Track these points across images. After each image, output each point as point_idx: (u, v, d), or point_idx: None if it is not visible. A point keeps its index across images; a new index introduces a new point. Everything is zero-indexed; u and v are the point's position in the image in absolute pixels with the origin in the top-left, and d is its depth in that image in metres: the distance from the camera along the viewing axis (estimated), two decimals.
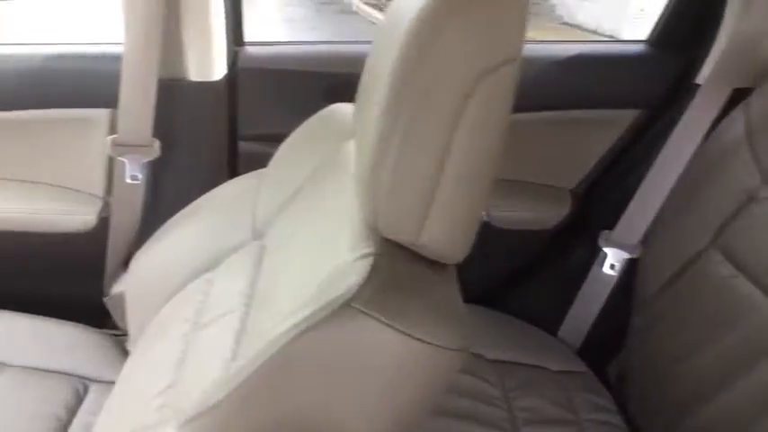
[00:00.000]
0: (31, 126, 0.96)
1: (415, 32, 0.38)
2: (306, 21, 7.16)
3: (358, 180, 0.50)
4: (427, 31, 0.38)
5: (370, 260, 0.44)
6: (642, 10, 5.54)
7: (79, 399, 0.91)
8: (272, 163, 0.83)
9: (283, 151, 0.82)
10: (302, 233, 0.64)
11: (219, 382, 0.51)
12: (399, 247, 0.46)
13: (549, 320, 1.06)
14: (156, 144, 0.91)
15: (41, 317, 1.00)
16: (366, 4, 7.76)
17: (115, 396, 0.77)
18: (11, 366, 0.92)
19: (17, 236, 1.00)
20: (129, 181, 0.90)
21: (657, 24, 1.04)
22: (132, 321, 0.89)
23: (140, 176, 0.91)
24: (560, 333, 1.06)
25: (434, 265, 0.48)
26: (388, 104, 0.41)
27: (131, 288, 0.89)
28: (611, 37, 5.55)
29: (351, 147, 0.68)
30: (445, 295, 0.48)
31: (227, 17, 0.90)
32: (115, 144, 0.89)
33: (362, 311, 0.40)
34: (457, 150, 0.41)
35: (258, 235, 0.79)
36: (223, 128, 0.96)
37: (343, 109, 0.76)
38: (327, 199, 0.64)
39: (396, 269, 0.46)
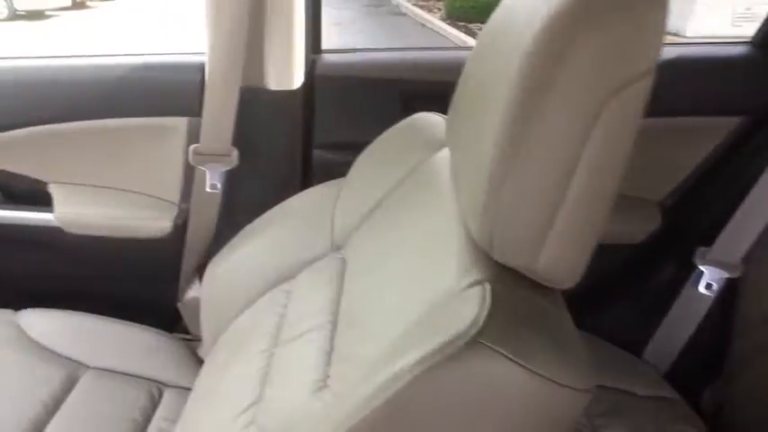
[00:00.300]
0: (114, 134, 0.98)
1: (544, 42, 0.35)
2: (353, 23, 7.19)
3: (466, 199, 0.46)
4: (559, 42, 0.34)
5: (486, 288, 0.41)
6: (749, 9, 5.22)
7: (154, 403, 0.92)
8: (352, 173, 0.81)
9: (363, 161, 0.80)
10: (391, 250, 0.61)
11: (318, 413, 0.49)
12: (511, 271, 0.43)
13: (633, 341, 0.99)
14: (235, 153, 0.91)
15: (118, 320, 1.02)
16: (415, 5, 7.73)
17: (193, 407, 0.77)
18: (90, 368, 0.94)
19: (97, 240, 1.02)
20: (208, 190, 0.91)
21: (765, 25, 0.95)
22: (206, 328, 0.90)
23: (219, 185, 0.91)
24: (645, 355, 0.99)
25: (544, 290, 0.44)
26: (510, 120, 0.37)
27: (206, 295, 0.89)
28: (675, 35, 5.27)
29: (441, 159, 0.65)
30: (563, 327, 0.44)
31: (306, 25, 0.89)
32: (196, 153, 0.90)
33: (491, 348, 0.36)
34: (583, 168, 0.37)
35: (337, 247, 0.77)
36: (298, 136, 0.95)
37: (428, 119, 0.73)
38: (418, 215, 0.60)
39: (513, 298, 0.42)
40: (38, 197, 1.05)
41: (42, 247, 1.07)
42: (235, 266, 0.86)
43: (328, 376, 0.54)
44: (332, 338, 0.60)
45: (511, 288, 0.42)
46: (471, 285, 0.42)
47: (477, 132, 0.45)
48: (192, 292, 1.08)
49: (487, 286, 0.41)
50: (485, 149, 0.41)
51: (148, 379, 0.94)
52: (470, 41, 6.17)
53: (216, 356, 0.81)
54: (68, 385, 0.90)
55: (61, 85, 0.97)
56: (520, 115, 0.37)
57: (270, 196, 0.96)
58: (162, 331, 1.02)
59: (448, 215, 0.52)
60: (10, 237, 1.05)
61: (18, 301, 1.00)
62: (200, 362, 1.03)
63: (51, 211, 1.01)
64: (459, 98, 0.56)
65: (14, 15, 7.86)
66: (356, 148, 0.87)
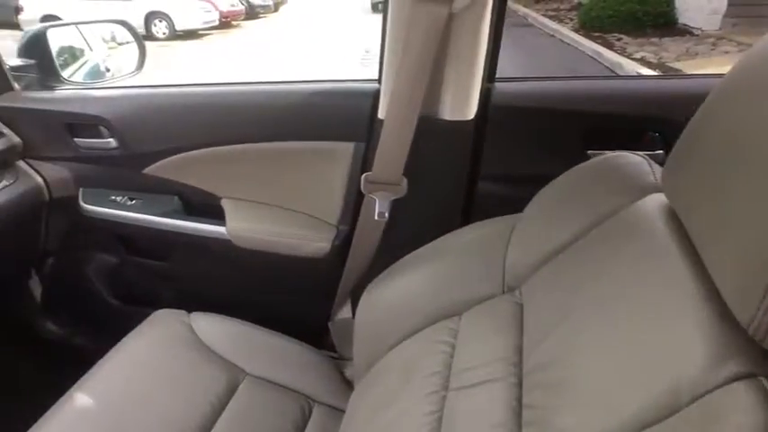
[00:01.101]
0: (284, 156, 1.04)
1: None
2: None
3: (732, 278, 0.39)
4: None
5: (756, 386, 0.34)
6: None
7: (305, 418, 0.94)
8: (530, 209, 0.76)
9: (545, 198, 0.75)
10: (590, 305, 0.55)
11: None
12: None
13: None
14: (404, 182, 0.91)
15: (274, 332, 1.07)
16: (544, 15, 7.43)
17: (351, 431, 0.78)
18: (249, 374, 0.99)
19: (260, 255, 1.09)
20: (377, 218, 0.92)
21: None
22: (360, 352, 0.90)
23: (387, 214, 0.92)
24: None
25: None
26: None
27: (361, 319, 0.90)
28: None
29: (648, 207, 0.58)
30: None
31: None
32: (367, 181, 0.91)
33: None
34: None
35: (509, 288, 0.73)
36: (465, 167, 0.93)
37: (625, 159, 0.66)
38: (626, 271, 0.54)
39: None
40: (210, 210, 1.15)
41: (214, 257, 1.16)
42: (394, 295, 0.86)
43: None
44: (519, 396, 0.56)
45: None
46: (737, 378, 0.36)
47: (742, 197, 0.38)
48: (344, 313, 1.10)
49: (759, 383, 0.34)
50: (764, 224, 0.34)
51: (300, 393, 0.97)
52: (608, 54, 5.77)
53: (373, 384, 0.81)
54: (231, 390, 0.95)
55: (240, 110, 1.05)
56: None
57: (430, 226, 0.95)
58: (312, 347, 1.06)
59: (677, 280, 0.46)
60: (189, 245, 1.16)
61: (190, 304, 1.10)
62: (346, 382, 1.05)
63: (224, 225, 1.10)
64: (692, 144, 0.49)
65: (174, 36, 8.94)
66: (526, 182, 0.82)
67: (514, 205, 0.81)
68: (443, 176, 0.94)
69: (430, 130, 0.87)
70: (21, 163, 1.17)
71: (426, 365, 0.71)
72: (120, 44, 1.60)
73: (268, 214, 1.10)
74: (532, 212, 0.75)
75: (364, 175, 0.92)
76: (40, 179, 1.18)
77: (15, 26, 7.64)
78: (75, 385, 0.90)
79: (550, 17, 7.34)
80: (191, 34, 9.25)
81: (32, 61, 1.19)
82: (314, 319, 1.15)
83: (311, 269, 1.08)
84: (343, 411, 0.94)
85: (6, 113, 1.14)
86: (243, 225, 1.09)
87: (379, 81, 0.96)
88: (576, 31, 6.70)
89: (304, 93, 1.01)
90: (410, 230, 0.96)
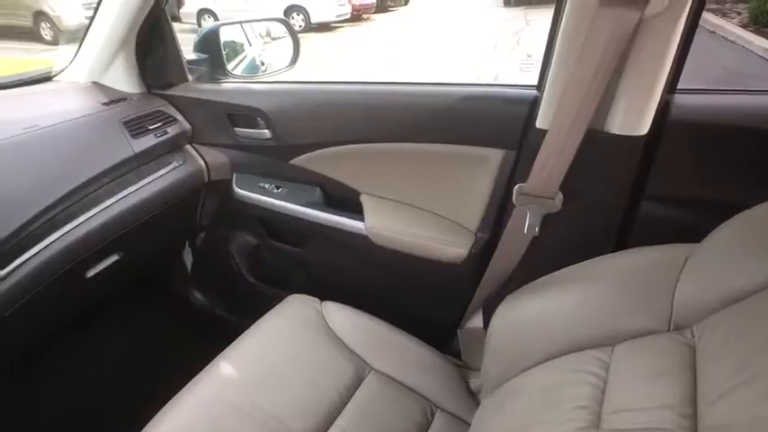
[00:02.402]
0: (430, 158, 1.03)
1: None
2: None
3: None
4: None
5: None
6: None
7: (427, 423, 0.93)
8: (713, 240, 0.67)
9: (732, 231, 0.65)
10: None
11: None
12: None
13: None
14: (559, 197, 0.85)
15: (400, 330, 1.07)
16: (705, 10, 6.59)
17: None
18: (374, 369, 1.01)
19: (395, 253, 1.09)
20: (525, 232, 0.88)
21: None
22: (490, 366, 0.87)
23: (537, 229, 0.87)
24: None
25: None
26: None
27: (496, 332, 0.86)
28: None
29: None
30: None
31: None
32: (520, 193, 0.87)
33: None
34: None
35: (677, 326, 0.65)
36: (628, 184, 0.84)
37: None
38: None
39: None
40: (349, 205, 1.18)
41: (348, 249, 1.20)
42: (536, 312, 0.81)
43: None
44: None
45: None
46: None
47: None
48: (475, 322, 1.08)
49: None
50: None
51: (422, 396, 0.97)
52: None
53: (507, 404, 0.77)
54: (356, 382, 0.97)
55: (390, 109, 1.05)
56: None
57: (582, 245, 0.88)
58: (437, 351, 1.05)
59: None
60: (326, 235, 1.20)
61: (320, 292, 1.14)
62: (470, 393, 1.02)
63: (362, 220, 1.12)
64: None
65: (309, 28, 9.44)
66: (699, 207, 0.72)
67: (682, 232, 0.71)
68: (603, 194, 0.86)
69: (594, 145, 0.79)
70: (188, 147, 1.30)
71: (572, 396, 0.66)
72: (273, 39, 1.70)
73: (407, 214, 1.10)
74: (715, 245, 0.66)
75: (518, 186, 0.87)
76: (202, 162, 1.30)
77: (176, 19, 8.62)
78: (220, 355, 0.98)
79: (712, 11, 6.50)
80: (324, 27, 9.71)
81: (205, 56, 1.32)
82: (442, 324, 1.14)
83: (445, 274, 1.06)
84: (465, 423, 0.92)
85: (180, 102, 1.27)
86: (381, 223, 1.10)
87: (538, 88, 0.91)
88: (745, 27, 5.86)
89: (456, 95, 0.99)
90: (559, 247, 0.90)
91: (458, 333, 1.10)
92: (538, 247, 0.92)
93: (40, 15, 8.17)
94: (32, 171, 0.95)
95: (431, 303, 1.18)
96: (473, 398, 1.00)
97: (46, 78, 1.27)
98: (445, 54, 6.87)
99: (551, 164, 0.81)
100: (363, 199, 1.15)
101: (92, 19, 1.19)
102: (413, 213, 1.10)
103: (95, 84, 1.23)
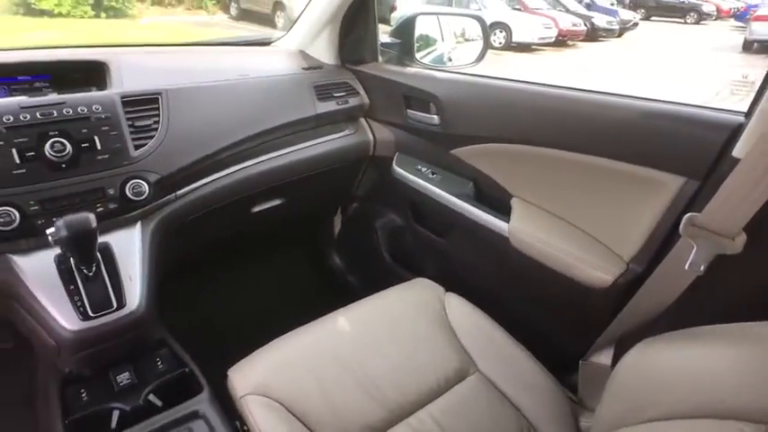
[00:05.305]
0: (599, 173, 0.94)
1: None
2: None
3: None
4: None
5: None
6: None
7: None
8: None
9: None
10: None
11: None
12: None
13: None
14: (741, 238, 0.71)
15: (516, 341, 1.02)
16: None
17: None
18: (479, 370, 0.98)
19: (533, 262, 1.03)
20: (686, 268, 0.75)
21: None
22: (608, 409, 0.77)
23: (703, 268, 0.74)
24: None
25: None
26: None
27: (625, 373, 0.76)
28: None
29: None
30: None
31: None
32: (691, 223, 0.75)
33: None
34: None
35: None
36: None
37: None
38: None
39: None
40: (496, 204, 1.15)
41: (486, 248, 1.17)
42: (678, 364, 0.69)
43: None
44: None
45: None
46: None
47: None
48: (602, 357, 0.96)
49: None
50: None
51: (523, 415, 0.91)
52: None
53: None
54: (459, 377, 0.96)
55: (564, 115, 0.99)
56: None
57: (756, 301, 0.73)
58: (551, 375, 0.97)
59: None
60: (468, 229, 1.19)
61: (447, 282, 1.13)
62: (577, 427, 0.93)
63: (506, 221, 1.08)
64: None
65: (508, 46, 9.39)
66: None
67: None
68: None
69: None
70: (362, 120, 1.41)
71: None
72: (466, 40, 1.74)
73: (556, 226, 1.03)
74: None
75: (689, 215, 0.75)
76: (371, 136, 1.39)
77: (385, 21, 9.30)
78: (339, 310, 1.04)
79: None
80: (524, 47, 9.58)
81: (398, 41, 1.41)
82: (563, 349, 1.04)
83: (582, 297, 0.97)
84: None
85: (366, 78, 1.38)
86: (526, 228, 1.05)
87: (747, 114, 0.78)
88: None
89: (643, 110, 0.89)
90: (727, 297, 0.76)
91: (579, 364, 1.00)
92: (699, 290, 0.78)
93: (278, 5, 9.65)
94: (234, 109, 1.12)
95: (558, 324, 1.09)
96: None
97: (265, 43, 1.49)
98: (650, 94, 6.22)
99: (740, 197, 0.68)
100: (514, 202, 1.11)
101: None
102: (562, 227, 1.02)
103: (301, 52, 1.40)
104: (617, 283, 0.91)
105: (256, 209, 1.28)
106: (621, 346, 0.93)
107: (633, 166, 0.89)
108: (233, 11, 10.81)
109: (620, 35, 11.98)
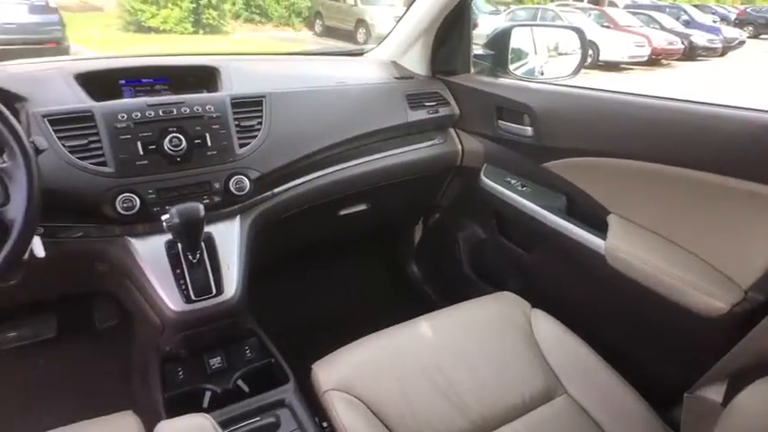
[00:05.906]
0: (710, 191, 0.87)
1: None
2: None
3: None
4: None
5: None
6: None
7: None
8: None
9: None
10: None
11: None
12: None
13: None
14: None
15: (612, 368, 0.95)
16: None
17: None
18: (567, 394, 0.93)
19: (633, 284, 0.96)
20: None
21: None
22: None
23: None
24: None
25: None
26: None
27: (741, 411, 0.68)
28: None
29: None
30: None
31: None
32: None
33: None
34: None
35: None
36: None
37: None
38: None
39: None
40: (590, 220, 1.09)
41: (578, 266, 1.11)
42: None
43: None
44: None
45: None
46: None
47: None
48: (711, 392, 0.87)
49: None
50: None
51: None
52: None
53: None
54: (545, 397, 0.92)
55: (667, 127, 0.93)
56: None
57: None
58: (649, 407, 0.89)
59: None
60: (558, 245, 1.14)
61: (532, 298, 1.09)
62: None
63: (602, 238, 1.02)
64: None
65: (595, 64, 9.03)
66: None
67: None
68: None
69: None
70: (451, 129, 1.40)
71: None
72: (559, 54, 1.69)
73: (659, 247, 0.95)
74: None
75: None
76: (459, 146, 1.38)
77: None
78: (423, 316, 1.03)
79: None
80: (612, 66, 9.19)
81: (492, 53, 1.40)
82: (663, 379, 0.96)
83: (690, 324, 0.88)
84: None
85: (457, 89, 1.38)
86: (626, 247, 0.98)
87: None
88: None
89: (758, 123, 0.81)
90: None
91: (684, 398, 0.91)
92: None
93: (360, 23, 10.27)
94: (331, 114, 1.17)
95: (658, 351, 1.01)
96: None
97: (358, 53, 1.54)
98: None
99: None
100: (611, 219, 1.04)
101: (406, 9, 1.39)
102: (667, 248, 0.94)
103: (394, 62, 1.42)
104: (732, 311, 0.82)
105: (343, 212, 1.31)
106: (736, 382, 0.83)
107: (755, 185, 0.81)
108: (317, 28, 11.45)
109: (722, 54, 11.16)
